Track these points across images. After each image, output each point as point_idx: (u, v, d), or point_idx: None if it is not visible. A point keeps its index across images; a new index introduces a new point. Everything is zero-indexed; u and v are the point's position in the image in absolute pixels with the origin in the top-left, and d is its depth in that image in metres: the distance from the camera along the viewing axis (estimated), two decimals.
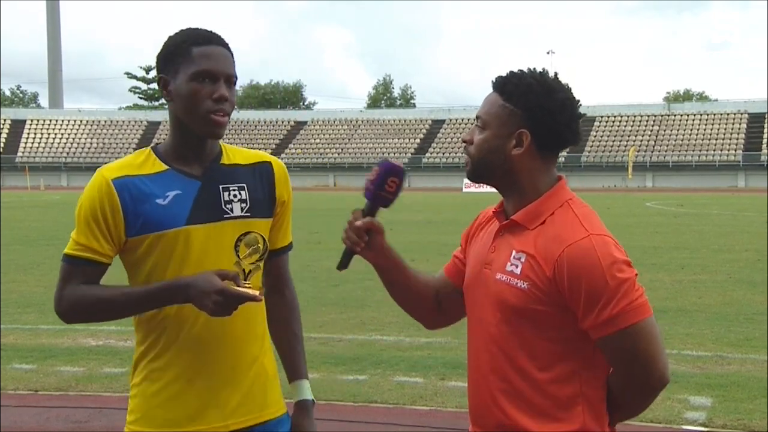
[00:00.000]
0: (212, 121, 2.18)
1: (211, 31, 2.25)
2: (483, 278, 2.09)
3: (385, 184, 2.13)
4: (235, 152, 2.34)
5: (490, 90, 2.11)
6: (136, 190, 2.20)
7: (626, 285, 1.93)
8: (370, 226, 2.14)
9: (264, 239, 2.14)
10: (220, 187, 2.25)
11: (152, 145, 2.33)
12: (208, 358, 2.24)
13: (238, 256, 2.14)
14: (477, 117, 2.10)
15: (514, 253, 2.03)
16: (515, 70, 2.09)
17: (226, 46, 2.24)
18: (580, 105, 2.10)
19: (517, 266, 2.01)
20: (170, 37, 2.26)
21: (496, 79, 2.09)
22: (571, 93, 2.08)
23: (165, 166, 2.24)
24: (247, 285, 2.13)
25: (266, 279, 2.41)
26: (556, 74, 2.09)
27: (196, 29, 2.26)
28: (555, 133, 2.04)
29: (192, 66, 2.17)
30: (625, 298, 1.93)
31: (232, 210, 2.24)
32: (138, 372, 2.32)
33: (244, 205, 2.26)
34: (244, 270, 2.14)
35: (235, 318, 2.20)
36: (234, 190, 2.25)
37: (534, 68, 2.09)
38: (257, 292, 2.09)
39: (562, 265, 1.94)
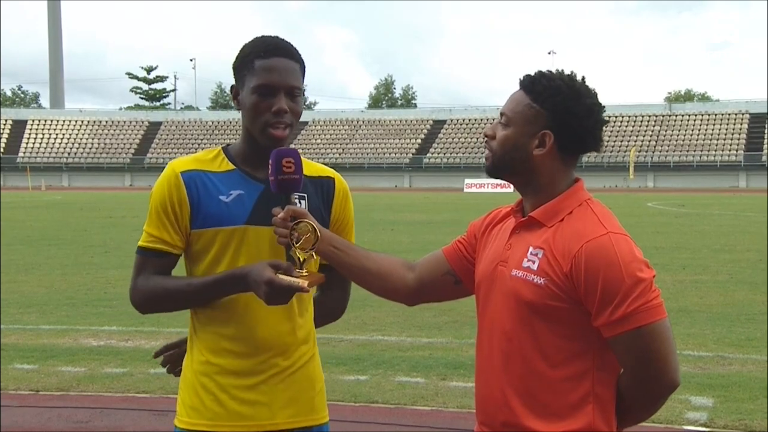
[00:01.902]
0: (270, 134, 2.25)
1: (277, 42, 2.30)
2: (498, 275, 2.09)
3: (282, 167, 2.18)
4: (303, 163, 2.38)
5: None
6: (202, 184, 2.29)
7: (643, 285, 1.93)
8: (292, 213, 2.18)
9: (315, 229, 2.17)
10: None
11: (224, 145, 2.40)
12: (259, 356, 2.29)
13: (293, 244, 2.17)
14: (501, 113, 2.10)
15: (531, 249, 2.03)
16: (544, 71, 2.09)
17: (291, 56, 2.29)
18: (605, 111, 2.10)
19: (534, 262, 2.01)
20: (242, 47, 2.33)
21: (524, 77, 2.10)
22: (598, 99, 2.08)
23: (232, 166, 2.33)
24: (303, 273, 2.15)
25: (328, 274, 2.43)
26: (583, 78, 2.09)
27: (264, 39, 2.31)
28: (578, 137, 2.06)
29: (254, 79, 2.25)
30: (641, 297, 1.93)
31: None
32: (188, 365, 2.37)
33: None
34: (299, 258, 2.17)
35: (285, 320, 2.29)
36: (295, 198, 2.29)
37: (563, 70, 2.09)
38: (306, 283, 2.12)
39: (579, 261, 1.95)
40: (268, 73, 2.24)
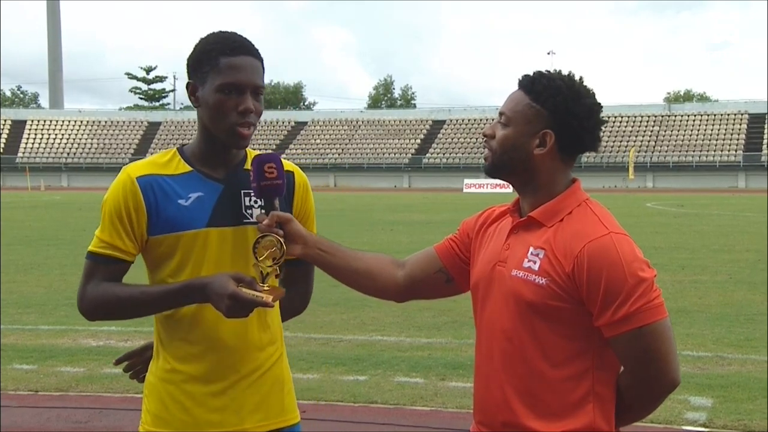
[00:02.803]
0: (236, 133, 2.20)
1: (241, 39, 2.24)
2: (496, 275, 2.09)
3: (264, 173, 2.16)
4: None
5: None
6: (159, 189, 2.22)
7: (645, 284, 1.94)
8: (276, 219, 2.17)
9: (281, 243, 2.14)
10: (242, 192, 2.27)
11: (178, 146, 2.34)
12: (226, 360, 2.25)
13: (256, 259, 2.15)
14: (501, 113, 2.10)
15: (531, 249, 2.03)
16: (543, 71, 2.10)
17: (255, 55, 2.24)
18: (604, 111, 2.11)
19: (535, 262, 2.02)
20: (200, 42, 2.25)
21: (523, 77, 2.10)
22: (596, 99, 2.09)
23: (189, 168, 2.27)
24: (264, 288, 2.13)
25: (292, 271, 2.40)
26: (581, 78, 2.10)
27: (227, 36, 2.24)
28: (578, 137, 2.06)
29: (219, 77, 2.18)
30: (643, 297, 1.94)
31: (251, 215, 2.25)
32: (153, 372, 2.32)
33: (263, 210, 2.25)
34: (261, 272, 2.15)
35: (252, 322, 2.23)
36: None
37: (560, 70, 2.10)
38: (271, 297, 2.09)
39: (582, 261, 1.95)
40: (235, 71, 2.17)
